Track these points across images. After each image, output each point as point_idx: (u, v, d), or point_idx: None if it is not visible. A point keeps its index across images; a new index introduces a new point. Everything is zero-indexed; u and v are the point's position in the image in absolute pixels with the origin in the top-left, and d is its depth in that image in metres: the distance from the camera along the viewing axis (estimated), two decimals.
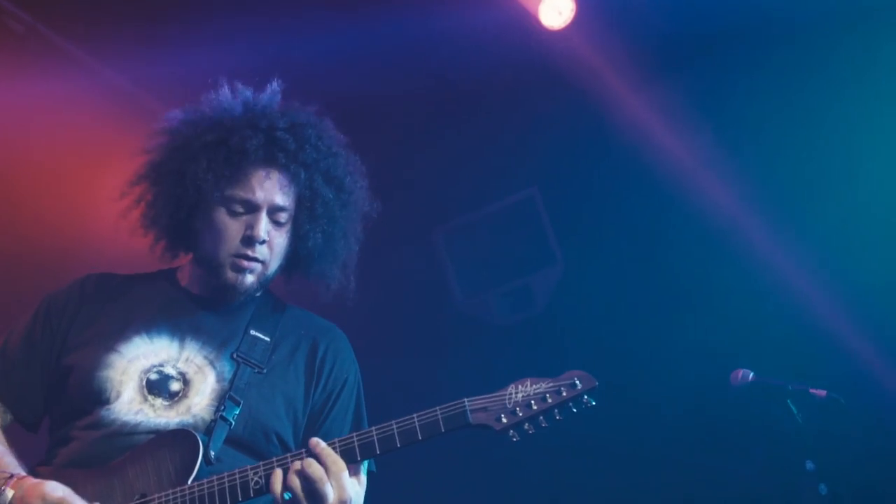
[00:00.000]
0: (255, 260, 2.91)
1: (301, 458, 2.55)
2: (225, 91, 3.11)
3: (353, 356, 3.06)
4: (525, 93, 5.52)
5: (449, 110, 5.61)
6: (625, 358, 5.21)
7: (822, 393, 3.46)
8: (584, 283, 5.71)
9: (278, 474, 2.55)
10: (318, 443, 2.55)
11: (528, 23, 5.24)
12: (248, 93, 3.12)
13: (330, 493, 2.51)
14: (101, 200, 5.65)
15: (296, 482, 2.52)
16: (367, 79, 5.29)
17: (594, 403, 2.58)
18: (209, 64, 4.96)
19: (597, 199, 5.67)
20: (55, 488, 2.58)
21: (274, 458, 2.60)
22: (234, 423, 2.77)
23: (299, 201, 3.00)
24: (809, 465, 3.37)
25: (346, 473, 2.54)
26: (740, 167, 5.22)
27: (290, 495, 2.53)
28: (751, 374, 3.54)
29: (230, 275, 2.91)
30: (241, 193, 2.91)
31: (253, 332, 2.95)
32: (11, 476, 2.67)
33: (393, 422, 2.58)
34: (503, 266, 5.97)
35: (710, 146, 5.32)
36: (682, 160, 5.37)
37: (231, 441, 2.76)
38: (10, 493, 2.63)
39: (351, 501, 2.55)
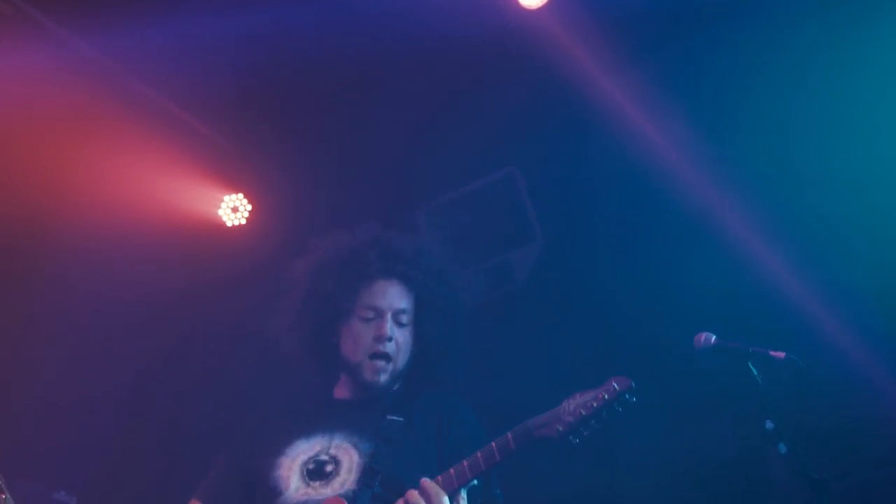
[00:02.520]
0: (386, 357, 3.60)
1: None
2: (338, 233, 3.90)
3: (474, 419, 3.64)
4: (502, 72, 5.60)
5: (427, 90, 5.68)
6: (598, 330, 5.34)
7: (782, 355, 3.50)
8: (563, 259, 5.81)
9: None
10: (424, 480, 3.21)
11: (506, 1, 5.31)
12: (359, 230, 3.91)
13: None
14: (79, 173, 5.80)
15: None
16: (344, 58, 5.35)
17: (635, 399, 3.11)
18: (186, 35, 5.08)
19: (575, 177, 5.76)
20: None
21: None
22: (376, 486, 3.38)
23: (418, 303, 3.70)
24: (769, 424, 3.41)
25: (445, 499, 3.17)
26: (714, 147, 5.31)
27: None
28: (713, 338, 3.59)
29: (368, 374, 3.62)
30: (368, 302, 3.64)
31: (390, 417, 3.55)
32: None
33: (478, 451, 3.21)
34: (483, 243, 6.05)
35: (684, 125, 5.40)
36: (657, 140, 5.45)
37: (375, 500, 3.35)
38: None
39: None
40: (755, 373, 3.51)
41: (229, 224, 6.62)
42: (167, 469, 6.37)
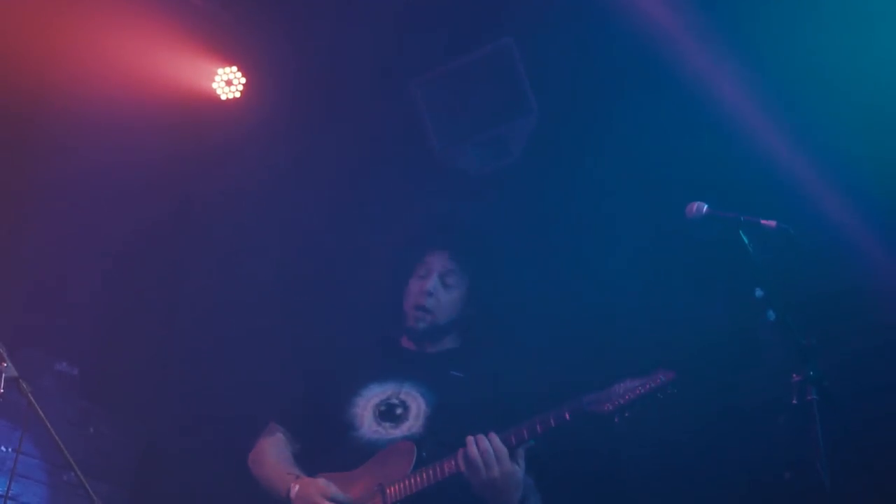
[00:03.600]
0: (425, 309, 4.21)
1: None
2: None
3: (524, 380, 4.16)
4: None
5: None
6: (592, 199, 5.36)
7: (773, 224, 3.53)
8: (558, 132, 5.78)
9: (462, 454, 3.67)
10: (491, 434, 3.65)
11: None
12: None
13: (495, 465, 3.59)
14: (73, 45, 5.76)
15: (474, 453, 3.62)
16: None
17: (675, 391, 3.52)
18: None
19: (570, 48, 5.70)
20: (325, 483, 3.89)
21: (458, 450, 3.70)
22: (439, 433, 3.91)
23: (467, 270, 4.29)
24: (759, 292, 3.45)
25: (506, 453, 3.62)
26: (712, 15, 5.23)
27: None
28: (705, 207, 3.61)
29: (410, 321, 4.27)
30: (422, 264, 4.29)
31: (453, 373, 4.14)
32: (298, 476, 4.02)
33: (536, 417, 3.64)
34: (478, 116, 6.00)
35: None
36: (654, 9, 5.37)
37: (438, 445, 3.85)
38: (296, 486, 3.94)
39: (511, 474, 3.63)
40: (746, 241, 3.55)
41: (223, 97, 6.60)
42: (168, 340, 6.47)
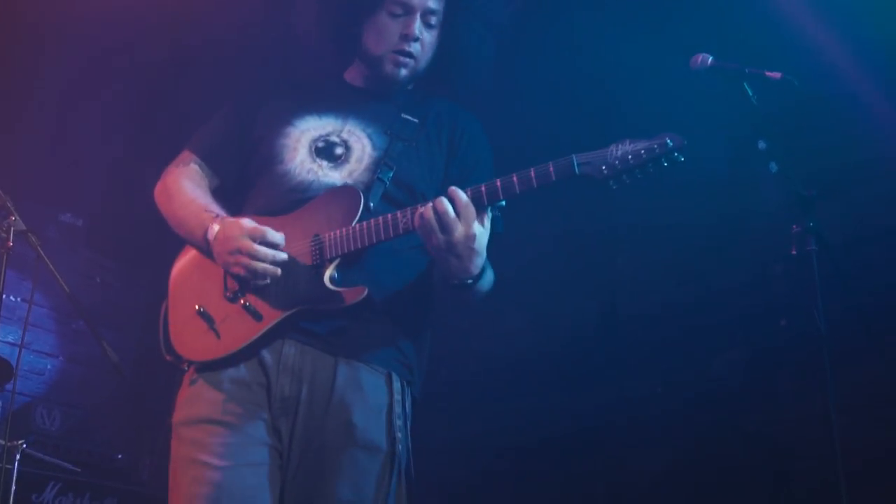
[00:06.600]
0: (410, 55, 3.46)
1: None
2: None
3: (486, 141, 3.59)
4: None
5: None
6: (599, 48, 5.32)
7: (777, 75, 3.52)
8: None
9: (420, 210, 3.06)
10: (453, 188, 3.03)
11: None
12: None
13: (458, 226, 3.00)
14: None
15: (429, 214, 3.02)
16: None
17: (683, 159, 2.96)
18: None
19: None
20: (252, 223, 3.20)
21: (419, 205, 3.09)
22: (388, 183, 3.33)
23: (449, 4, 3.49)
24: (761, 144, 3.46)
25: (472, 211, 3.01)
26: None
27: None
28: (710, 58, 3.59)
29: (389, 68, 3.48)
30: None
31: (404, 116, 3.49)
32: (217, 215, 3.32)
33: (514, 174, 3.00)
34: None
35: None
36: None
37: (385, 197, 3.31)
38: (216, 227, 3.26)
39: (475, 237, 3.03)
40: (750, 93, 3.54)
41: None
42: None
